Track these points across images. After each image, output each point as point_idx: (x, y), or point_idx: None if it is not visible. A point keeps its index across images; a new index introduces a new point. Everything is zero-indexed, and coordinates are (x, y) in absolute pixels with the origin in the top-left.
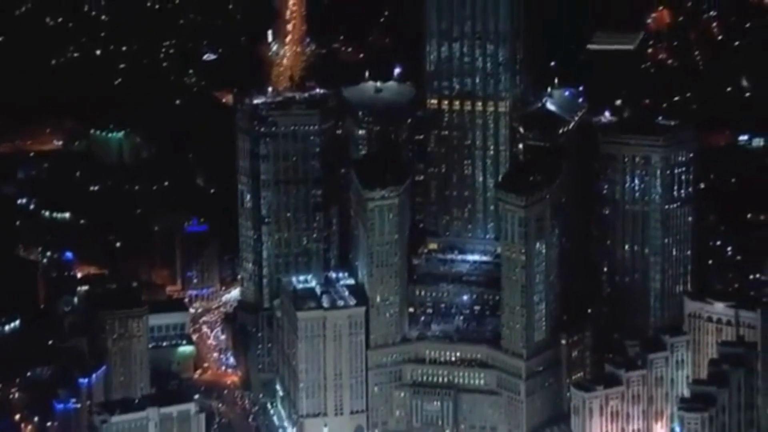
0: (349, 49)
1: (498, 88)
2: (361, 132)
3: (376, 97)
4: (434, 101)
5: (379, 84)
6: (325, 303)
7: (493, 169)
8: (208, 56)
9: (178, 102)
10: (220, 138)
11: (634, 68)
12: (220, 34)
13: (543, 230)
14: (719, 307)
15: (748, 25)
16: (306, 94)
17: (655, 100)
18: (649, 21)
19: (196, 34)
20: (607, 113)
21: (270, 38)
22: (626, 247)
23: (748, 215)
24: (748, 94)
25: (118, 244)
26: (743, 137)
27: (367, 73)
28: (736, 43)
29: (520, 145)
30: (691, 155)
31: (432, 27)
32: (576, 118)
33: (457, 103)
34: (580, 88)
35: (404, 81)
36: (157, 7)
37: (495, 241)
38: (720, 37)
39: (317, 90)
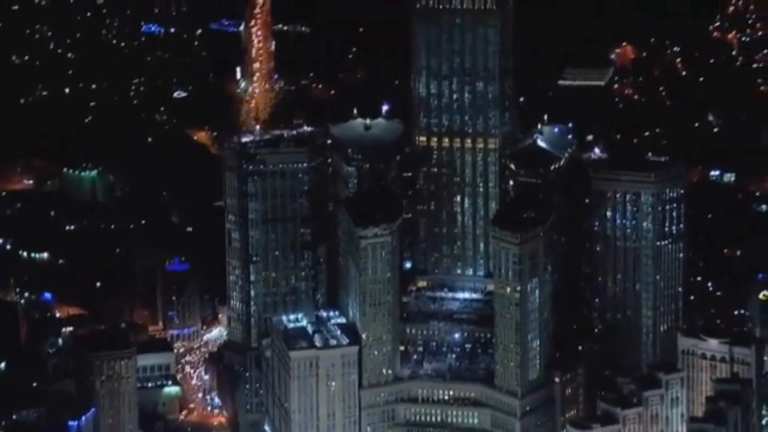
0: (320, 86)
1: (487, 125)
2: (350, 169)
3: (366, 134)
4: (423, 138)
5: (368, 121)
6: (318, 342)
7: (482, 207)
8: (179, 93)
9: (150, 140)
10: (193, 175)
11: (604, 104)
12: (189, 71)
13: (537, 267)
14: (713, 344)
15: (711, 61)
16: (294, 132)
17: (626, 136)
18: (613, 57)
19: (164, 72)
20: (596, 150)
21: (238, 75)
22: (617, 283)
23: (725, 250)
24: (716, 129)
25: (98, 284)
26: (714, 173)
27: (354, 110)
28: (701, 78)
29: (511, 182)
30: (682, 191)
31: (420, 64)
32: (566, 155)
33: (446, 140)
34: (569, 125)
35: (392, 118)
36: (122, 44)
37: (485, 279)
38: (684, 73)
39: (305, 127)
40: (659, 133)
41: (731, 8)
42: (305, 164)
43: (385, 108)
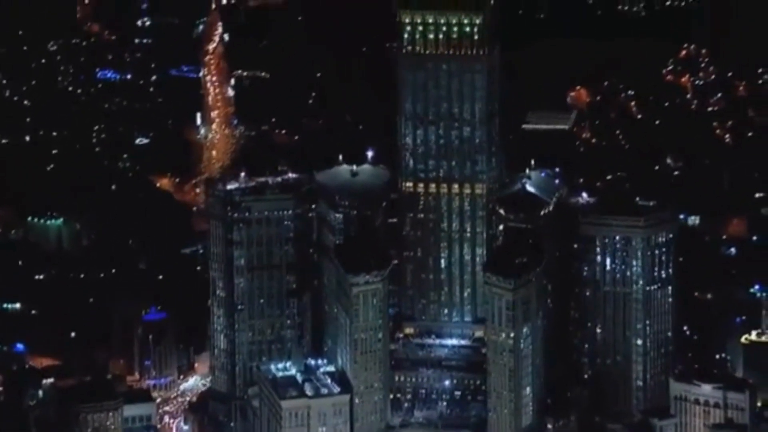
0: (283, 131)
1: (474, 170)
2: (337, 216)
3: (352, 181)
4: (409, 184)
5: (355, 167)
6: (309, 391)
7: (469, 252)
8: (141, 140)
9: (114, 187)
10: (158, 222)
11: (568, 147)
12: (149, 117)
13: (530, 313)
14: (706, 389)
15: (666, 104)
16: (279, 179)
17: (589, 180)
18: (569, 100)
19: (125, 118)
20: (584, 194)
21: (198, 121)
22: (607, 329)
23: (695, 293)
24: (676, 173)
25: (72, 334)
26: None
27: (340, 156)
28: (657, 122)
29: (500, 227)
30: (671, 236)
31: (407, 110)
32: (554, 199)
33: (432, 185)
34: (557, 170)
35: (377, 164)
36: (79, 91)
37: (473, 325)
38: (639, 116)
39: (290, 174)
40: (621, 177)
41: (683, 52)
42: (291, 211)
43: (370, 154)
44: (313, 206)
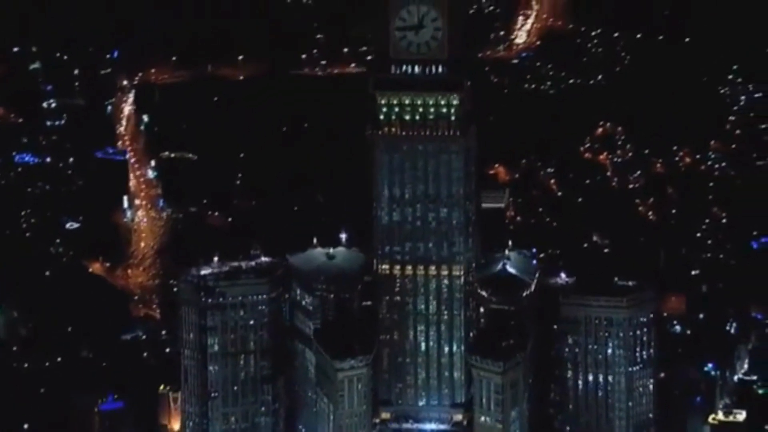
0: (215, 213)
1: (451, 252)
2: (314, 300)
3: (328, 264)
4: (386, 266)
5: (331, 250)
6: None
7: (447, 335)
8: (71, 225)
9: (48, 273)
10: (96, 308)
11: (501, 226)
12: (77, 201)
13: (518, 396)
14: None
15: (587, 181)
16: (253, 263)
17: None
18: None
19: (51, 203)
20: (562, 275)
21: (125, 204)
22: (589, 411)
23: None
24: (606, 251)
25: (26, 426)
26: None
27: (314, 240)
28: (579, 199)
29: (482, 309)
30: (651, 316)
31: (382, 191)
32: (534, 280)
33: (409, 267)
34: (533, 250)
35: (350, 246)
36: None
37: (451, 409)
38: (560, 194)
39: (263, 258)
40: (552, 254)
41: (599, 129)
42: (265, 296)
43: (343, 236)
44: (287, 290)
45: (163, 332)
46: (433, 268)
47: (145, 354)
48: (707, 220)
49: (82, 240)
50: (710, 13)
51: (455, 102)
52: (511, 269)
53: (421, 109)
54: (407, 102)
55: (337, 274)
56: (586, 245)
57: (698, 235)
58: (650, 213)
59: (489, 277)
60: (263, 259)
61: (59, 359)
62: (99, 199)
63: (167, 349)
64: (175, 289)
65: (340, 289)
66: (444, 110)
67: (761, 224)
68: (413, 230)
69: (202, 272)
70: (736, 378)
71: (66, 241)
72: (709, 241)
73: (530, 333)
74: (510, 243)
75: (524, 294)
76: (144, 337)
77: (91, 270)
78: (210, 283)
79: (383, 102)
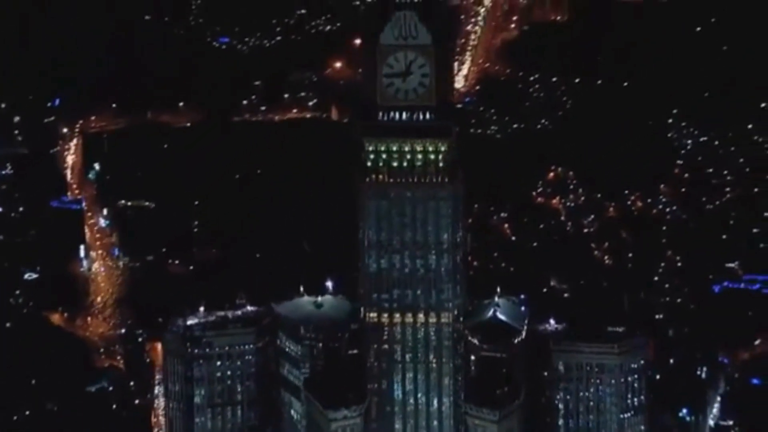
0: (176, 262)
1: (440, 299)
2: (302, 349)
3: (317, 312)
4: (373, 314)
5: (319, 299)
6: None
7: (435, 383)
8: (30, 275)
9: (8, 325)
10: (59, 360)
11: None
12: (32, 251)
13: None
14: None
15: (541, 226)
16: (239, 312)
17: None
18: None
19: (7, 252)
20: (552, 321)
21: (81, 253)
22: None
23: None
24: (566, 295)
25: None
26: None
27: (301, 288)
28: (534, 243)
29: (473, 357)
30: (643, 362)
31: (370, 238)
32: (525, 327)
33: (397, 315)
34: (522, 297)
35: (336, 294)
36: None
37: None
38: (513, 238)
39: (248, 307)
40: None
41: (551, 174)
42: (252, 345)
43: (329, 284)
44: (274, 339)
45: (131, 383)
46: (421, 315)
47: (114, 406)
48: (663, 264)
49: (41, 290)
50: (647, 57)
51: (443, 148)
52: (501, 316)
53: (408, 156)
54: (395, 149)
55: (325, 322)
56: (545, 290)
57: (655, 278)
58: (605, 257)
59: (479, 324)
60: (249, 308)
61: (26, 413)
62: (55, 249)
63: (136, 401)
64: (139, 339)
65: (328, 337)
66: (432, 156)
67: (715, 268)
68: (401, 277)
69: (188, 322)
70: (711, 423)
71: (25, 292)
72: (667, 285)
73: (522, 380)
74: (498, 290)
75: (515, 341)
76: (110, 388)
77: (51, 321)
78: (197, 333)
79: (370, 149)
